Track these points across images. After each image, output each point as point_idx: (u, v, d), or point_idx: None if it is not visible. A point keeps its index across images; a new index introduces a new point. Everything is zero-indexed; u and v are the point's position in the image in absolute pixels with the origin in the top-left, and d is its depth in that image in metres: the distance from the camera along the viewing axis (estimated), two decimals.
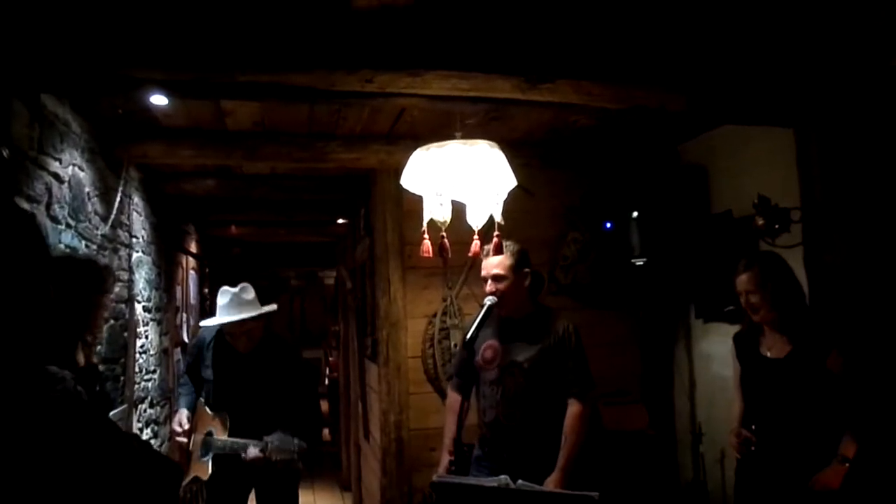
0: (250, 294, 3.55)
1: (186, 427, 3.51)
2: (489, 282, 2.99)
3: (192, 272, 6.49)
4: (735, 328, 3.48)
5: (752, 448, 2.79)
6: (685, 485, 4.23)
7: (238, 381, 3.55)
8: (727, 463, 3.92)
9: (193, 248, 6.58)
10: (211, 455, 3.49)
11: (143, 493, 1.64)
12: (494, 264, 2.98)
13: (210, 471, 3.49)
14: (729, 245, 3.74)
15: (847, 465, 2.62)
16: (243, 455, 3.35)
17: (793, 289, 2.82)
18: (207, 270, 7.44)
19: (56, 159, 2.87)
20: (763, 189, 3.21)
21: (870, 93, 2.86)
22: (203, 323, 3.80)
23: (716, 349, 4.06)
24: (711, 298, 3.99)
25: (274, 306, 3.67)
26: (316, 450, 3.46)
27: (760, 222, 3.10)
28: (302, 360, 3.89)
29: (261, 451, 3.32)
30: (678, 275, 4.22)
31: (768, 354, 2.86)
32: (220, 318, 3.52)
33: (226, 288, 3.56)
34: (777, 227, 3.05)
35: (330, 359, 10.50)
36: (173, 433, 3.52)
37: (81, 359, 2.32)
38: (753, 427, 2.81)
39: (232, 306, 3.49)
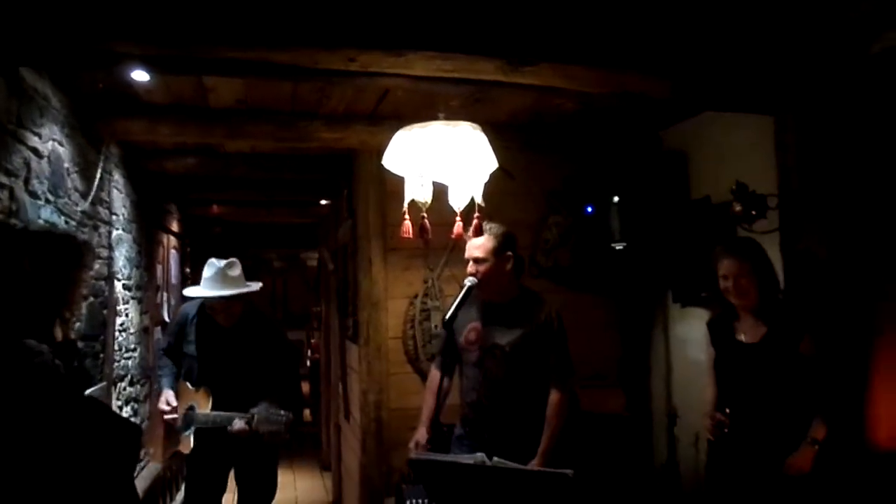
0: (236, 270, 3.56)
1: (175, 405, 3.51)
2: (470, 263, 3.01)
3: (173, 251, 6.46)
4: (710, 312, 3.54)
5: (726, 431, 2.82)
6: (659, 467, 4.30)
7: (221, 356, 3.56)
8: (701, 446, 3.97)
9: (175, 226, 6.54)
10: (193, 429, 3.50)
11: (106, 452, 1.65)
12: (476, 246, 2.99)
13: (192, 445, 3.50)
14: (707, 231, 3.78)
15: (816, 447, 2.68)
16: (228, 427, 3.36)
17: (773, 275, 2.87)
18: (189, 250, 7.40)
19: (35, 134, 2.84)
20: (742, 176, 3.25)
21: (848, 81, 2.90)
22: (186, 292, 3.80)
23: (692, 333, 4.11)
24: (689, 283, 4.04)
25: (259, 284, 3.68)
26: (296, 429, 3.48)
27: (738, 208, 3.14)
28: (284, 336, 3.91)
29: (246, 423, 3.33)
30: (657, 259, 4.26)
31: (743, 339, 2.90)
32: (204, 290, 3.52)
33: (213, 260, 3.56)
34: (754, 213, 3.09)
35: (312, 340, 10.51)
36: (161, 412, 3.50)
37: (59, 334, 2.32)
38: (728, 410, 2.84)
39: (216, 280, 3.50)
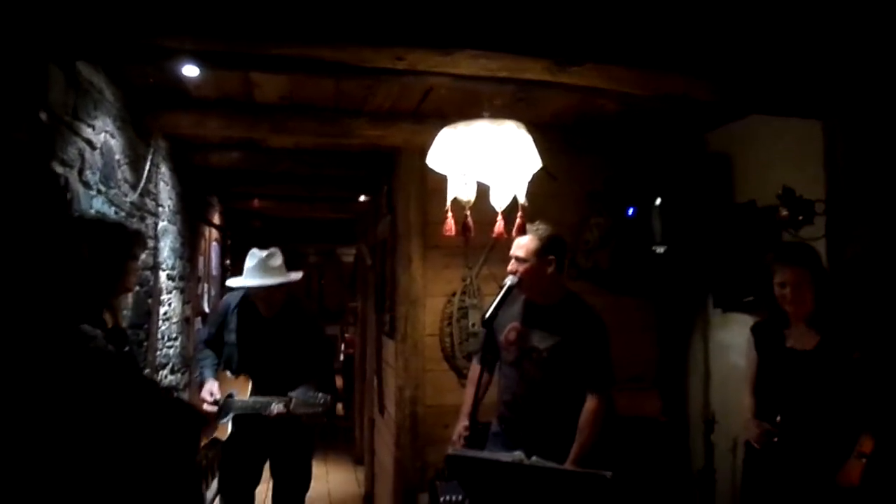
0: (277, 261, 3.62)
1: (217, 396, 3.57)
2: (512, 260, 3.00)
3: (214, 243, 6.57)
4: (754, 319, 3.48)
5: (775, 440, 2.76)
6: (696, 472, 4.26)
7: (261, 344, 3.63)
8: (739, 452, 3.93)
9: (217, 219, 6.65)
10: (231, 416, 3.56)
11: (169, 436, 1.69)
12: (520, 245, 2.96)
13: (229, 431, 3.56)
14: (751, 235, 3.73)
15: (864, 460, 2.63)
16: (266, 412, 3.41)
17: (828, 283, 2.83)
18: (229, 242, 7.52)
19: (89, 126, 2.92)
20: (788, 181, 3.19)
21: None
22: (229, 282, 3.87)
23: (733, 339, 4.06)
24: (731, 288, 3.98)
25: (299, 274, 3.74)
26: (330, 423, 3.53)
27: (784, 213, 3.09)
28: (321, 327, 3.96)
29: (284, 405, 3.39)
30: (698, 263, 4.20)
31: (795, 347, 2.84)
32: (246, 280, 3.59)
33: (255, 251, 3.63)
34: (801, 218, 3.04)
35: (346, 335, 10.59)
36: (204, 401, 3.56)
37: (109, 320, 2.39)
38: (778, 419, 2.77)
39: (258, 270, 3.57)
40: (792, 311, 2.83)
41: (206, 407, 3.55)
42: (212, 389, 3.57)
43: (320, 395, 3.42)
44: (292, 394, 3.41)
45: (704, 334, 4.35)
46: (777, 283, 2.83)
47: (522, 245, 2.96)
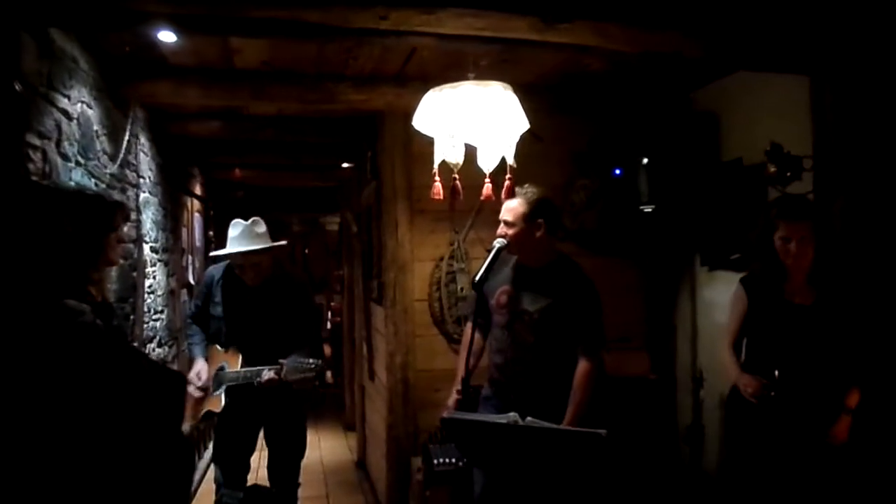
0: (262, 227, 3.59)
1: (205, 379, 3.53)
2: (501, 224, 2.98)
3: (197, 214, 6.49)
4: (740, 276, 3.49)
5: (772, 394, 2.72)
6: (684, 429, 4.32)
7: (248, 315, 3.58)
8: None
9: (198, 190, 6.57)
10: (223, 388, 3.55)
11: (153, 402, 1.68)
12: (508, 209, 2.94)
13: (223, 403, 3.55)
14: (738, 193, 3.74)
15: (850, 416, 2.67)
16: (258, 380, 3.41)
17: (825, 236, 2.82)
18: (212, 213, 7.44)
19: (65, 96, 2.84)
20: (774, 137, 3.19)
21: (888, 41, 2.82)
22: (213, 253, 3.82)
23: (719, 297, 4.08)
24: (718, 246, 4.00)
25: (284, 242, 3.70)
26: (319, 391, 3.52)
27: (772, 169, 3.09)
28: (310, 295, 3.93)
29: (275, 373, 3.38)
30: (685, 222, 4.22)
31: (794, 301, 2.82)
32: (231, 248, 3.55)
33: (238, 220, 3.59)
34: (789, 174, 3.04)
35: (332, 304, 10.58)
36: (191, 382, 3.53)
37: (96, 294, 2.35)
38: (777, 373, 2.73)
39: (243, 237, 3.52)
40: (794, 265, 2.79)
41: (191, 390, 3.50)
42: (199, 371, 3.54)
43: (311, 360, 3.42)
44: (283, 361, 3.40)
45: (692, 293, 4.38)
46: (780, 237, 2.79)
47: (511, 209, 2.93)
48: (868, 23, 2.79)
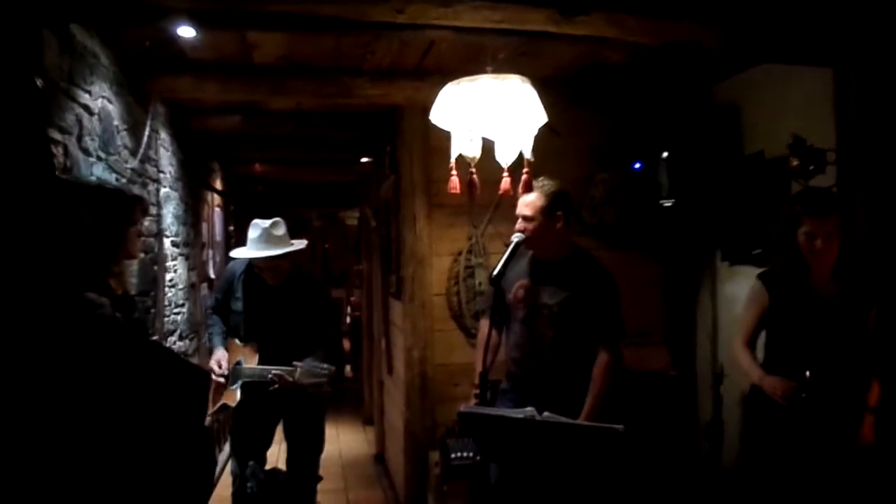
0: (281, 230, 3.57)
1: (225, 366, 3.57)
2: (519, 220, 2.97)
3: (217, 209, 6.54)
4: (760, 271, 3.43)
5: (803, 395, 2.60)
6: (704, 424, 4.28)
7: (267, 313, 3.61)
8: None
9: (218, 185, 6.61)
10: (240, 383, 3.58)
11: (177, 399, 1.69)
12: (526, 203, 2.93)
13: (238, 398, 3.58)
14: (760, 187, 3.69)
15: (872, 415, 2.61)
16: (271, 378, 3.43)
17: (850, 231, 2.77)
18: (232, 208, 7.49)
19: (86, 91, 2.87)
20: (796, 131, 3.14)
21: None
22: (233, 253, 3.83)
23: (741, 292, 4.02)
24: (739, 241, 3.95)
25: (304, 243, 3.71)
26: (338, 385, 3.54)
27: (795, 163, 3.04)
28: (327, 294, 3.94)
29: (288, 373, 3.40)
30: (706, 217, 4.17)
31: (819, 295, 2.74)
32: (250, 251, 3.56)
33: (257, 221, 3.58)
34: (812, 168, 2.99)
35: (352, 298, 10.62)
36: (213, 372, 3.57)
37: (117, 287, 2.37)
38: (808, 374, 2.61)
39: (262, 241, 3.52)
40: (819, 261, 2.70)
41: (214, 378, 3.56)
42: (220, 359, 3.58)
43: (325, 365, 3.43)
44: (298, 364, 3.41)
45: (712, 288, 4.34)
46: (804, 232, 2.68)
47: (529, 203, 2.92)
48: (892, 15, 2.74)
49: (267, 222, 3.56)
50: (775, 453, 2.77)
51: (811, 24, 2.88)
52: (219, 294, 3.87)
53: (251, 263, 3.67)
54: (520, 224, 2.95)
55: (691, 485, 3.96)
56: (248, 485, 3.55)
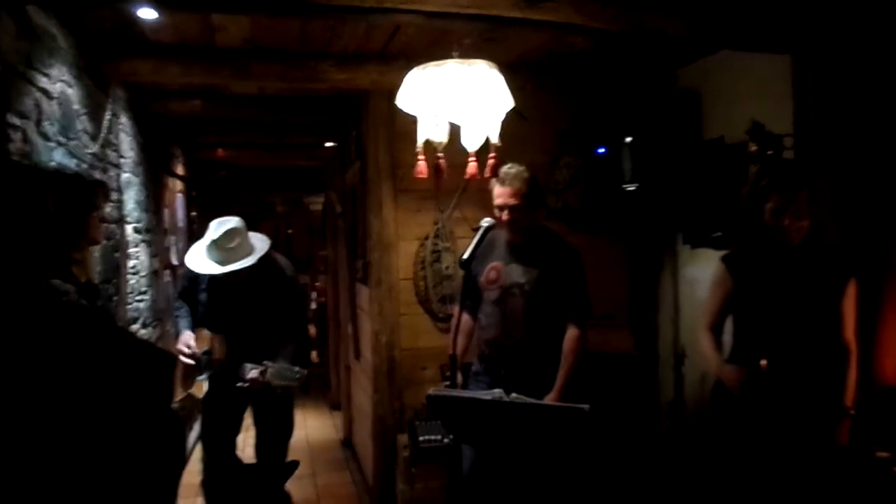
0: (234, 241, 3.34)
1: (194, 346, 3.53)
2: (505, 211, 2.98)
3: (179, 195, 6.44)
4: (722, 253, 3.48)
5: (758, 387, 2.45)
6: (666, 404, 4.39)
7: (233, 304, 3.54)
8: (706, 385, 4.05)
9: (180, 170, 6.51)
10: (207, 375, 3.54)
11: (143, 382, 1.69)
12: (510, 193, 2.96)
13: (206, 389, 3.55)
14: (720, 171, 3.77)
15: (851, 418, 2.48)
16: (241, 375, 3.39)
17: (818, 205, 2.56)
18: (194, 193, 7.38)
19: (45, 75, 2.80)
20: (756, 116, 3.22)
21: (869, 21, 2.84)
22: (187, 261, 3.53)
23: (701, 274, 4.13)
24: (700, 224, 4.04)
25: (266, 243, 3.50)
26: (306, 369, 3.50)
27: (753, 148, 3.12)
28: (296, 281, 3.87)
29: (260, 373, 3.35)
30: (668, 200, 4.25)
31: (787, 278, 2.55)
32: (204, 265, 3.38)
33: (210, 231, 3.35)
34: (770, 152, 3.07)
35: (316, 284, 10.57)
36: (181, 353, 3.52)
37: (81, 275, 2.34)
38: (764, 363, 2.42)
39: (216, 254, 3.34)
40: (786, 239, 2.53)
41: (182, 359, 3.52)
42: (187, 341, 3.53)
43: (297, 368, 3.38)
44: (269, 364, 3.35)
45: (674, 270, 4.43)
46: (771, 209, 2.51)
47: (515, 192, 2.95)
48: (849, 2, 2.81)
49: (219, 232, 3.33)
50: (739, 447, 2.62)
51: (770, 12, 2.95)
52: (185, 280, 3.81)
53: None
54: (507, 215, 2.97)
55: (652, 462, 4.05)
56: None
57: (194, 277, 3.65)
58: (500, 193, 2.99)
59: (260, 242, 3.48)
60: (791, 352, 2.51)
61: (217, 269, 3.34)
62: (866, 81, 2.94)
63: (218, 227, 3.35)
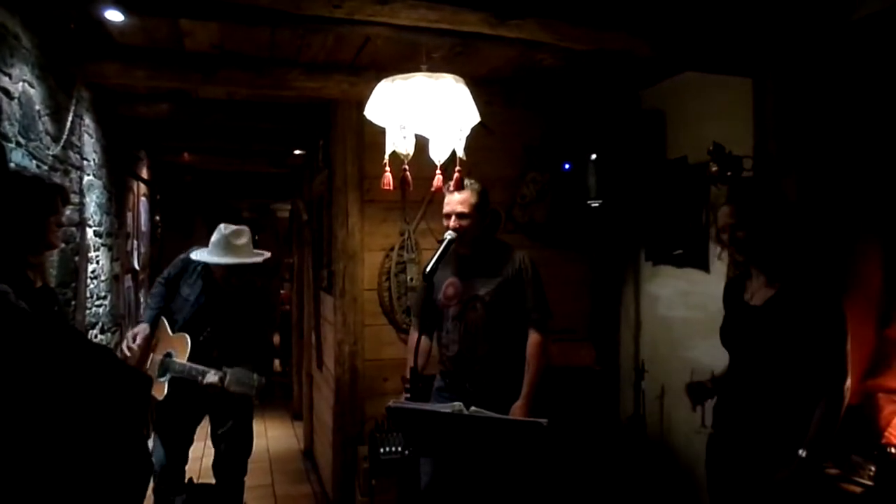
0: (244, 238, 3.59)
1: (139, 343, 3.49)
2: (452, 218, 3.03)
3: (143, 199, 6.35)
4: (682, 272, 3.53)
5: (708, 400, 2.52)
6: (626, 418, 4.43)
7: (211, 312, 3.58)
8: (666, 400, 4.11)
9: (145, 174, 6.42)
10: (168, 377, 3.50)
11: (114, 402, 1.64)
12: (460, 201, 3.03)
13: (165, 392, 3.51)
14: (682, 190, 3.84)
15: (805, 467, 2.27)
16: (200, 379, 3.38)
17: (776, 221, 2.44)
18: (159, 197, 7.28)
19: (6, 74, 2.75)
20: (719, 137, 3.28)
21: (829, 46, 2.93)
22: (194, 255, 3.67)
23: (662, 291, 4.20)
24: (662, 241, 4.11)
25: (266, 254, 3.73)
26: (267, 380, 3.52)
27: (714, 168, 3.18)
28: (270, 300, 3.93)
29: (219, 379, 3.34)
30: (631, 218, 4.32)
31: (750, 301, 2.51)
32: (213, 256, 3.54)
33: (222, 226, 3.59)
34: (730, 174, 3.13)
35: (281, 291, 10.47)
36: (127, 345, 3.49)
37: (36, 280, 2.29)
38: (713, 373, 2.53)
39: (225, 247, 3.53)
40: (739, 258, 2.52)
41: (123, 347, 3.48)
42: (136, 333, 3.51)
43: (255, 376, 3.39)
44: (228, 370, 3.36)
45: (636, 286, 4.49)
46: (723, 225, 2.49)
47: (463, 200, 3.03)
48: (810, 27, 2.89)
49: (229, 228, 3.58)
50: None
51: (733, 36, 3.03)
52: (174, 269, 3.77)
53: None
54: (454, 222, 3.01)
55: (610, 477, 4.09)
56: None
57: (182, 270, 3.67)
58: (448, 202, 3.08)
59: (261, 254, 3.72)
60: (746, 373, 2.47)
61: (230, 259, 3.50)
62: (825, 105, 3.02)
63: (226, 227, 3.59)
